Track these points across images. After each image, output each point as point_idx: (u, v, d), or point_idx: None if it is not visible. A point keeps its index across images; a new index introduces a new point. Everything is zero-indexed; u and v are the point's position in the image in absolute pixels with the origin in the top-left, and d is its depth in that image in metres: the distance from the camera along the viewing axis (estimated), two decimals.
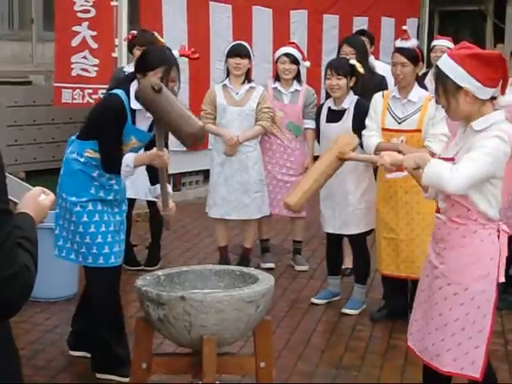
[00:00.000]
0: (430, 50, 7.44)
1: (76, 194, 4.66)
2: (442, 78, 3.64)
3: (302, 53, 7.12)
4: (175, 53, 4.88)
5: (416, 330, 3.86)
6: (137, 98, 4.39)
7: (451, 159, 3.66)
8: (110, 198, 4.76)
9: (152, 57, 4.62)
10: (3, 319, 2.18)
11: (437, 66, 3.72)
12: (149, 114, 4.56)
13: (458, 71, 3.57)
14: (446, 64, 3.63)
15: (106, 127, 4.60)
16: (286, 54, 6.99)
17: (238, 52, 6.85)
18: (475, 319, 3.66)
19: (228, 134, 6.82)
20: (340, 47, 6.88)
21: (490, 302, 3.68)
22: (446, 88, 3.63)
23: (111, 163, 4.63)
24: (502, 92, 3.67)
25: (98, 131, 4.63)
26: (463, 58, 3.59)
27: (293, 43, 7.38)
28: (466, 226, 3.66)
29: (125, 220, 4.90)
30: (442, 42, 7.80)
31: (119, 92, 4.61)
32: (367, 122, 5.71)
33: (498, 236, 3.69)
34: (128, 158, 4.60)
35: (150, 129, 4.73)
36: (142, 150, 4.82)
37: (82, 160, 4.69)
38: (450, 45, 7.76)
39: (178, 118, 4.27)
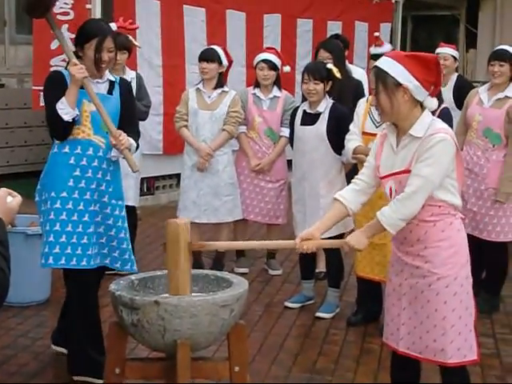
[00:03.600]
0: None
1: (54, 189, 4.61)
2: (381, 76, 3.75)
3: (281, 58, 7.12)
4: (112, 25, 5.00)
5: (406, 333, 3.90)
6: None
7: (406, 171, 3.76)
8: (93, 186, 4.66)
9: (86, 29, 4.69)
10: None
11: (376, 66, 3.81)
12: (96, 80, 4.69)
13: (399, 68, 3.70)
14: (386, 62, 3.76)
15: (46, 94, 4.70)
16: (264, 60, 6.99)
17: (204, 56, 6.90)
18: (467, 305, 3.83)
19: (204, 150, 6.82)
20: (317, 52, 6.89)
21: (471, 284, 3.88)
22: (385, 85, 3.74)
23: (56, 125, 4.62)
24: (432, 95, 3.79)
25: (45, 105, 4.70)
26: (402, 57, 3.75)
27: (272, 48, 7.37)
28: (443, 221, 3.78)
29: (121, 225, 4.79)
30: (446, 50, 7.76)
31: (58, 69, 4.78)
32: (351, 126, 5.74)
33: None
34: (59, 101, 4.57)
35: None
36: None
37: (55, 150, 4.68)
38: (454, 52, 7.75)
39: None
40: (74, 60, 4.56)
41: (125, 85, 4.91)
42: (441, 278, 3.78)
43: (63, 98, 4.55)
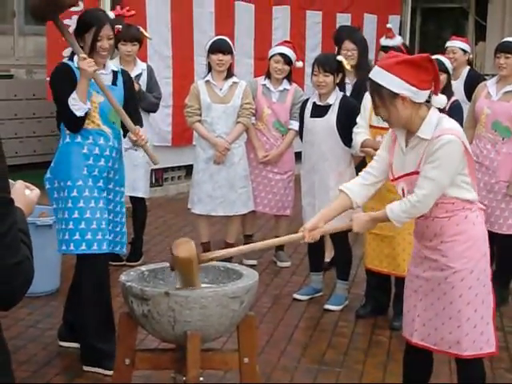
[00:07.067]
0: (444, 51, 7.43)
1: (70, 177, 4.68)
2: (376, 89, 3.74)
3: (296, 53, 7.08)
4: (110, 13, 5.10)
5: (421, 325, 3.93)
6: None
7: (415, 173, 3.78)
8: (105, 174, 4.77)
9: (85, 20, 4.73)
10: (5, 309, 2.16)
11: (369, 79, 3.78)
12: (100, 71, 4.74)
13: (391, 79, 3.66)
14: (378, 74, 3.72)
15: (56, 89, 4.74)
16: (281, 54, 6.95)
17: (220, 48, 6.81)
18: (483, 298, 3.83)
19: (222, 145, 6.80)
20: (340, 43, 6.88)
21: (489, 277, 3.88)
22: (382, 98, 3.72)
23: (69, 119, 4.66)
24: (436, 92, 3.77)
25: (55, 99, 4.72)
26: (393, 65, 3.68)
27: (289, 42, 7.32)
28: (457, 216, 3.79)
29: (121, 211, 4.96)
30: (455, 43, 7.71)
31: (64, 60, 4.81)
32: (358, 119, 5.73)
33: None
34: (71, 97, 4.61)
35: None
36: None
37: (67, 140, 4.73)
38: (463, 45, 7.71)
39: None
40: (83, 54, 4.58)
41: (127, 75, 5.02)
42: (457, 272, 3.79)
43: (74, 94, 4.59)
